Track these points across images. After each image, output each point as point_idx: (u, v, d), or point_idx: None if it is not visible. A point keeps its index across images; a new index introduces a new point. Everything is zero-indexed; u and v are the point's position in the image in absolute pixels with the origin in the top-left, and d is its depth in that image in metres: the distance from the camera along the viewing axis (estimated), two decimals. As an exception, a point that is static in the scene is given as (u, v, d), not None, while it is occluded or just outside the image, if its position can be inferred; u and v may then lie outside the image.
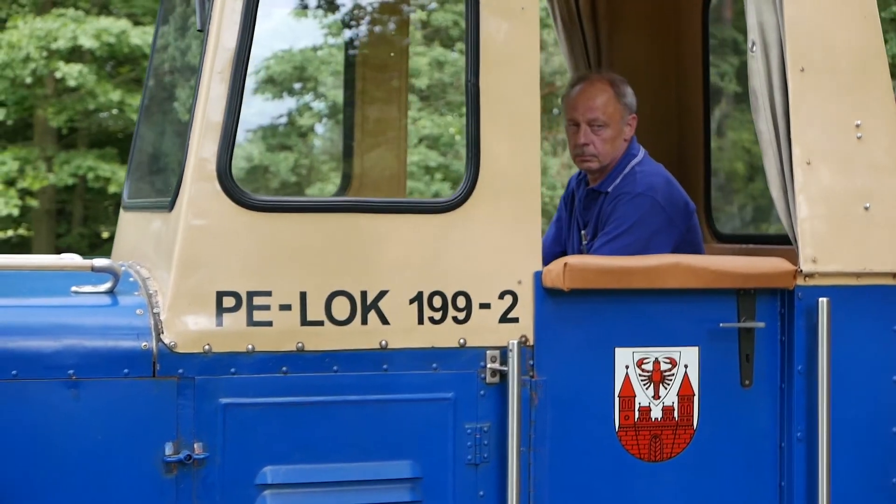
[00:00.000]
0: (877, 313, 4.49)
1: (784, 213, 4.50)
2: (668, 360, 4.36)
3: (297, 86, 18.74)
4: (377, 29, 5.73)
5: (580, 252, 4.94)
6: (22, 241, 19.03)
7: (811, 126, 4.45)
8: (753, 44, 4.53)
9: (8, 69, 16.39)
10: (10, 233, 18.95)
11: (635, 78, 5.16)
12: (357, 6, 5.84)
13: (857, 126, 4.51)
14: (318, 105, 18.99)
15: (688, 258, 4.45)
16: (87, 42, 16.05)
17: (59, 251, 17.44)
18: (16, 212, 16.71)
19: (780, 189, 4.50)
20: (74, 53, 16.88)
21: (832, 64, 4.49)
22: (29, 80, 16.62)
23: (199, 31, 4.10)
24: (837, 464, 4.37)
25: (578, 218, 5.00)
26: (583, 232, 4.95)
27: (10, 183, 16.94)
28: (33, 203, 17.73)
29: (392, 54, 5.68)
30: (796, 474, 4.38)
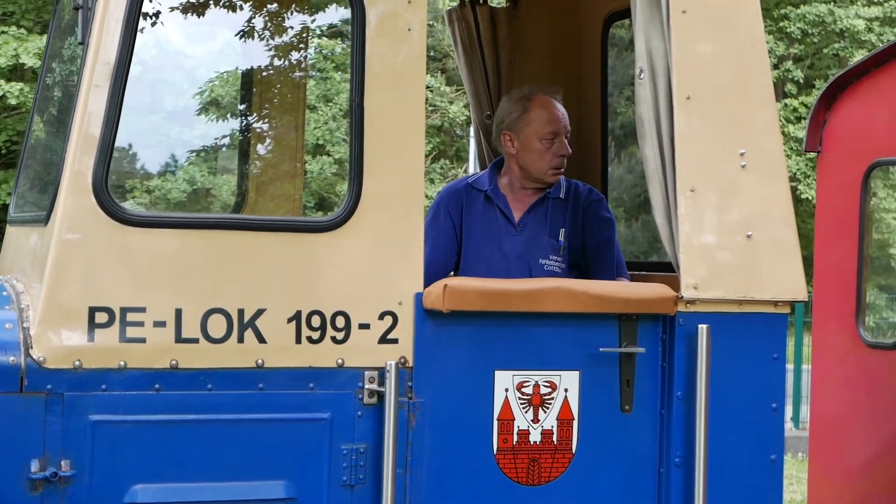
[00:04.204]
0: (757, 340, 4.52)
1: (668, 239, 4.52)
2: (548, 384, 4.36)
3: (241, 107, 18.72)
4: (271, 48, 5.70)
5: (549, 259, 4.97)
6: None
7: (696, 154, 4.48)
8: (641, 71, 4.56)
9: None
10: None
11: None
12: (250, 26, 5.83)
13: (742, 154, 4.54)
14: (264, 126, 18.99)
15: (569, 282, 4.46)
16: (28, 61, 15.94)
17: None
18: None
19: (665, 216, 4.53)
20: (15, 72, 16.75)
21: (718, 93, 4.53)
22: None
23: (79, 43, 4.08)
24: (715, 490, 4.39)
25: (534, 226, 5.00)
26: (560, 239, 4.99)
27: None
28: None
29: (287, 73, 5.67)
30: (673, 500, 4.39)
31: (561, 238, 4.97)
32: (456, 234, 4.99)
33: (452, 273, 4.96)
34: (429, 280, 4.32)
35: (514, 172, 5.00)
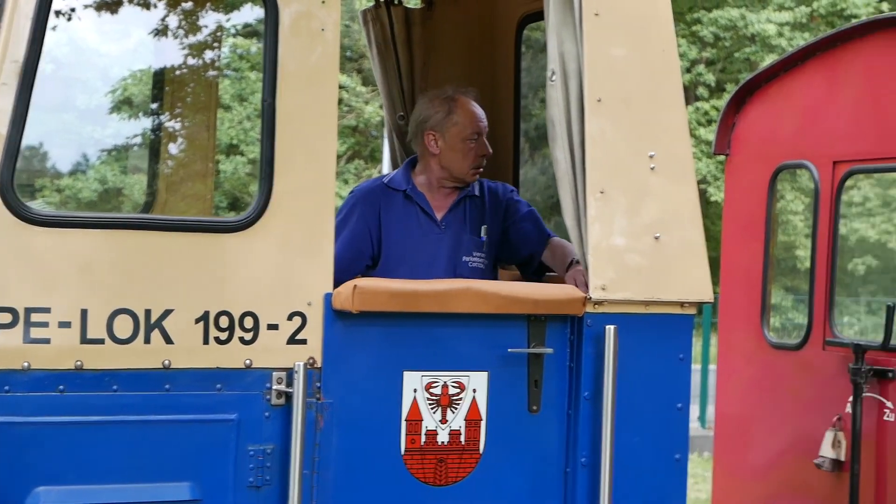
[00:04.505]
0: (664, 341, 4.57)
1: (577, 241, 4.55)
2: (456, 385, 4.37)
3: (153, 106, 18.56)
4: (184, 47, 5.66)
5: (473, 256, 5.00)
6: None
7: (606, 156, 4.51)
8: (553, 73, 4.58)
9: None
10: None
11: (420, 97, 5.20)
12: (164, 24, 5.79)
13: (651, 157, 4.58)
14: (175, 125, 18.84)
15: (479, 283, 4.47)
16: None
17: None
18: None
19: (574, 218, 4.55)
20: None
21: (629, 96, 4.56)
22: None
23: (-14, 41, 4.01)
24: (620, 489, 4.43)
25: (456, 224, 5.01)
26: (482, 235, 5.02)
27: None
28: None
29: (200, 72, 5.63)
30: (579, 500, 4.42)
31: (483, 234, 5.01)
32: (370, 235, 4.98)
33: (361, 274, 4.95)
34: (338, 281, 4.31)
35: (434, 172, 5.01)
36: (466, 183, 5.02)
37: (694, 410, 16.37)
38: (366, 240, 4.97)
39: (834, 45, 6.05)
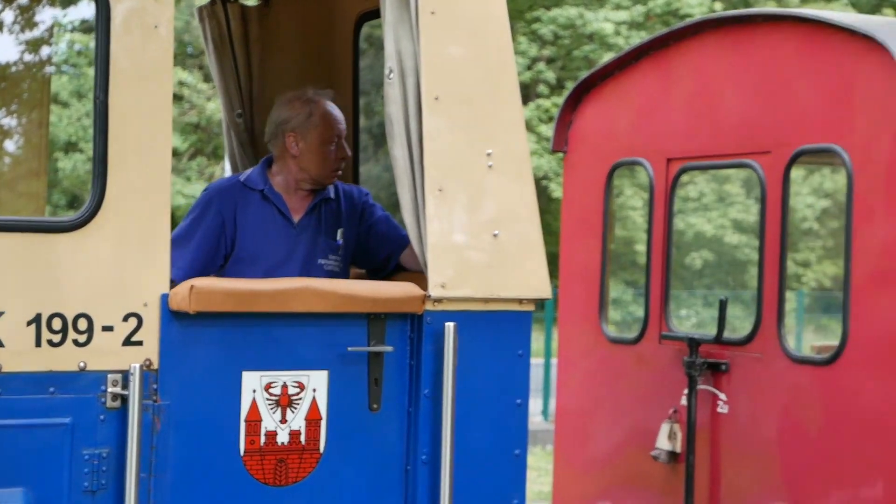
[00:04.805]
0: (503, 338, 4.60)
1: (416, 238, 4.56)
2: (296, 384, 4.35)
3: None
4: (16, 43, 5.54)
5: (328, 259, 4.98)
6: None
7: (444, 154, 4.53)
8: (391, 71, 4.58)
9: None
10: None
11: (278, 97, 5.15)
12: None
13: (489, 155, 4.61)
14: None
15: (317, 282, 4.45)
16: None
17: None
18: None
19: (413, 215, 4.56)
20: None
21: (466, 94, 4.59)
22: None
23: None
24: (461, 486, 4.45)
25: (312, 226, 4.98)
26: (338, 238, 5.00)
27: None
28: None
29: (32, 69, 5.51)
30: (420, 496, 4.44)
31: (339, 238, 5.00)
32: (225, 234, 4.93)
33: (215, 273, 4.90)
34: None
35: (293, 173, 4.99)
36: (324, 186, 5.02)
37: (537, 405, 16.55)
38: (221, 238, 4.92)
39: (666, 44, 6.17)
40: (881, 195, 5.13)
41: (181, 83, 22.83)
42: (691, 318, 24.10)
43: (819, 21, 5.43)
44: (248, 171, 5.13)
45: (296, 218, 4.97)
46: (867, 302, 5.18)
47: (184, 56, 24.73)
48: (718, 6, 25.73)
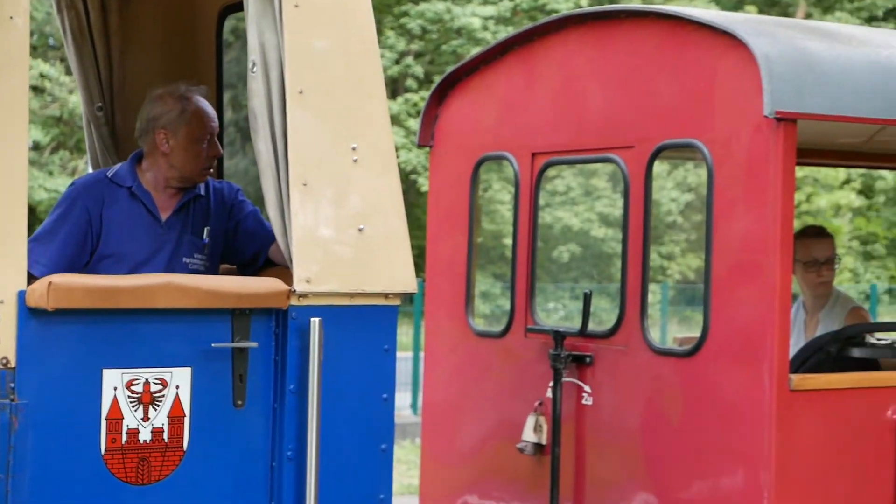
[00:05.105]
0: (369, 332, 4.59)
1: (281, 233, 4.53)
2: (158, 381, 4.29)
3: None
4: None
5: (194, 258, 4.91)
6: None
7: (309, 148, 4.51)
8: (254, 64, 4.55)
9: None
10: None
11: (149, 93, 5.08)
12: None
13: (354, 149, 4.60)
14: None
15: (180, 278, 4.40)
16: None
17: None
18: None
19: (278, 209, 4.53)
20: None
21: (330, 87, 4.57)
22: None
23: None
24: (326, 481, 4.43)
25: (180, 224, 4.91)
26: (204, 237, 4.92)
27: None
28: None
29: None
30: (286, 493, 4.41)
31: (205, 236, 4.94)
32: (91, 230, 4.84)
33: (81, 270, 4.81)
34: None
35: (163, 170, 4.92)
36: (195, 183, 4.96)
37: (406, 398, 16.57)
38: (87, 234, 4.83)
39: (531, 39, 6.20)
40: (740, 190, 5.22)
41: (42, 76, 22.37)
42: (559, 311, 24.33)
43: (680, 17, 5.50)
44: (116, 166, 5.04)
45: (164, 216, 4.91)
46: (727, 295, 5.27)
47: (45, 48, 24.26)
48: (584, 2, 26.00)
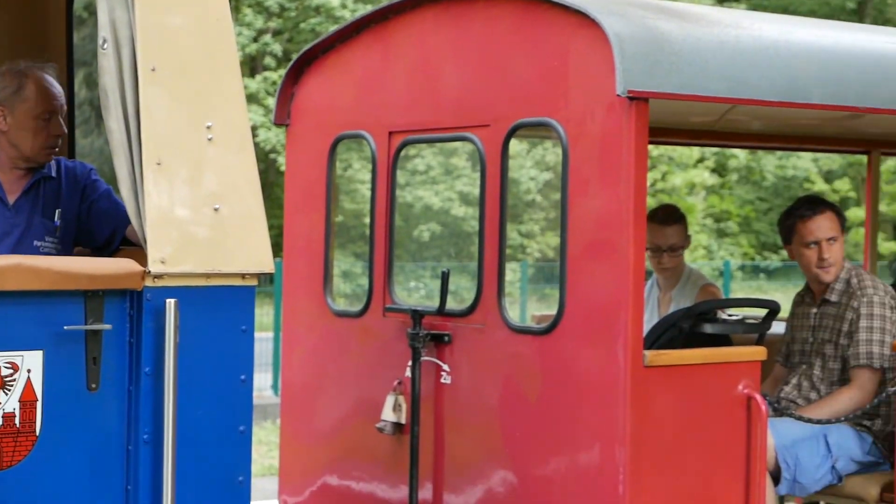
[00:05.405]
0: (226, 313, 4.55)
1: (135, 213, 4.46)
2: (9, 365, 4.20)
3: None
4: None
5: (45, 241, 4.85)
6: None
7: (162, 127, 4.44)
8: (105, 41, 4.46)
9: None
10: None
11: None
12: None
13: (209, 128, 4.55)
14: None
15: (31, 259, 4.31)
16: None
17: None
18: None
19: (131, 189, 4.46)
20: None
21: (183, 65, 4.51)
22: None
23: None
24: (184, 463, 4.39)
25: (29, 207, 4.82)
26: (56, 219, 4.84)
27: None
28: None
29: None
30: (142, 476, 4.36)
31: (56, 219, 4.85)
32: None
33: None
34: None
35: (5, 150, 4.82)
36: (39, 163, 4.86)
37: (267, 379, 16.48)
38: None
39: (386, 17, 6.19)
40: (594, 168, 5.28)
41: None
42: (421, 290, 24.40)
43: (535, -3, 5.53)
44: None
45: (11, 199, 4.81)
46: (581, 273, 5.33)
47: None
48: (443, -19, 26.00)
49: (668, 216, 7.35)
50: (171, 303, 4.37)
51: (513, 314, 5.74)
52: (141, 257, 4.45)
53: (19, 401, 4.21)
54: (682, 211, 7.55)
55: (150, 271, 4.39)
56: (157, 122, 4.43)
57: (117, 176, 4.47)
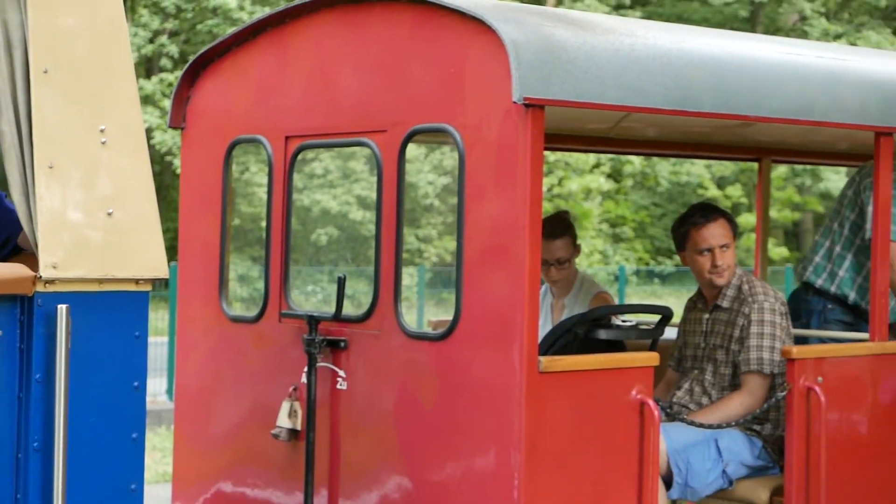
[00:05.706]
0: (120, 319, 4.51)
1: (25, 218, 4.40)
2: None
3: None
4: None
5: None
6: None
7: (54, 130, 4.39)
8: (-6, 43, 4.40)
9: None
10: None
11: None
12: None
13: (102, 131, 4.50)
14: None
15: (-82, 264, 4.23)
16: None
17: None
18: None
19: (22, 193, 4.40)
20: None
21: (78, 67, 4.46)
22: None
23: None
24: (76, 472, 4.33)
25: None
26: None
27: None
28: None
29: None
30: (32, 485, 4.29)
31: None
32: None
33: None
34: None
35: None
36: None
37: (162, 384, 16.31)
38: None
39: (283, 21, 6.17)
40: (490, 174, 5.31)
41: None
42: (318, 295, 24.32)
43: (431, 3, 5.54)
44: None
45: None
46: (477, 278, 5.35)
47: None
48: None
49: (554, 229, 7.21)
50: (62, 308, 4.31)
51: (410, 318, 5.75)
52: (34, 262, 4.39)
53: None
54: (569, 220, 7.41)
55: (41, 276, 4.33)
56: (50, 125, 4.38)
57: (8, 180, 4.40)
